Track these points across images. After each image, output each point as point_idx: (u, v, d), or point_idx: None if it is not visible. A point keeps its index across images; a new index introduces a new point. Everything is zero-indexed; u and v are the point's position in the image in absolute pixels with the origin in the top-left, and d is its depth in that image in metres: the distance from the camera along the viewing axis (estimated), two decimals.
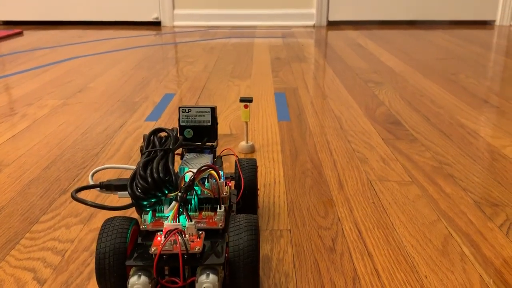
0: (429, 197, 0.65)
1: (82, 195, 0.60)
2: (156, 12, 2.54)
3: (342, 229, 0.57)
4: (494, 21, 2.59)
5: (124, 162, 0.76)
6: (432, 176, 0.71)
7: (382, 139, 0.86)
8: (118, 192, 0.50)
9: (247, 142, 0.83)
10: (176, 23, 2.56)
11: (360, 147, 0.82)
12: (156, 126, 0.93)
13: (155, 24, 2.57)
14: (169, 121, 0.97)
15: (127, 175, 0.71)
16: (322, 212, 0.60)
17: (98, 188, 0.51)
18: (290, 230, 0.56)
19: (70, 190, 0.67)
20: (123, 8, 2.54)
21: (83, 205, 0.62)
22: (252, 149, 0.82)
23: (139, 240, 0.43)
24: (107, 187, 0.50)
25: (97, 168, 0.55)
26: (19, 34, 2.27)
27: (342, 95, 1.17)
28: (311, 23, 2.58)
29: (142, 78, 1.35)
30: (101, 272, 0.41)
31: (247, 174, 0.54)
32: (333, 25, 2.61)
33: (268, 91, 1.20)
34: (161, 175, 0.44)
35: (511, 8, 2.55)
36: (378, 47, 1.87)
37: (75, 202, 0.63)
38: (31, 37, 2.19)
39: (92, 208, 0.61)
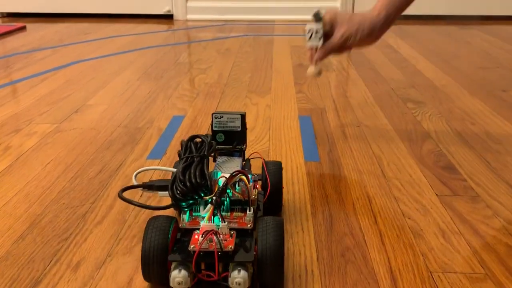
0: None
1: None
2: (168, 5, 2.37)
3: None
4: None
5: (114, 231, 0.61)
6: (509, 263, 0.55)
7: (437, 195, 0.70)
8: (159, 192, 0.56)
9: (315, 64, 0.81)
10: (189, 17, 2.38)
11: (411, 209, 0.66)
12: (160, 166, 0.78)
13: (167, 18, 2.41)
14: (175, 160, 0.82)
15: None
16: None
17: (141, 188, 0.58)
18: None
19: (43, 279, 0.52)
20: (133, 1, 2.38)
21: None
22: (320, 73, 0.81)
23: (178, 236, 0.49)
24: (149, 187, 0.57)
25: (140, 170, 0.63)
26: (22, 29, 2.12)
27: (378, 120, 1.00)
28: None
29: (148, 93, 1.19)
30: (146, 265, 0.47)
31: (272, 176, 0.61)
32: None
33: (291, 114, 1.04)
34: (198, 180, 0.51)
35: None
36: (411, 50, 1.69)
37: None
38: (34, 33, 2.04)
39: None
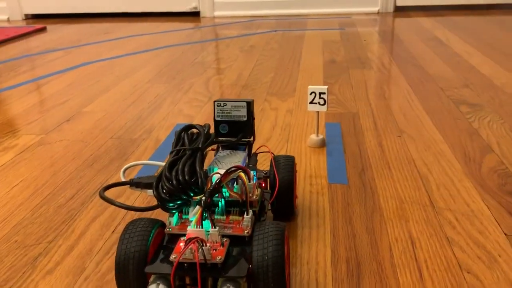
0: None
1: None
2: (195, 2, 2.23)
3: None
4: None
5: (65, 285, 0.46)
6: None
7: (506, 234, 0.51)
8: (147, 190, 0.49)
9: (317, 135, 0.76)
10: (216, 13, 2.24)
11: (470, 257, 0.48)
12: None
13: (194, 15, 2.27)
14: None
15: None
16: None
17: (128, 185, 0.50)
18: None
19: None
20: None
21: None
22: (322, 143, 0.75)
23: (165, 242, 0.41)
24: (137, 184, 0.50)
25: (129, 165, 0.54)
26: (42, 30, 2.03)
27: (425, 128, 0.81)
28: (375, 9, 2.18)
29: (155, 97, 1.05)
30: (120, 278, 0.39)
31: (283, 173, 0.53)
32: (401, 11, 2.20)
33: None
34: (186, 177, 0.42)
35: None
36: (463, 43, 1.47)
37: None
38: (52, 34, 1.94)
39: None
